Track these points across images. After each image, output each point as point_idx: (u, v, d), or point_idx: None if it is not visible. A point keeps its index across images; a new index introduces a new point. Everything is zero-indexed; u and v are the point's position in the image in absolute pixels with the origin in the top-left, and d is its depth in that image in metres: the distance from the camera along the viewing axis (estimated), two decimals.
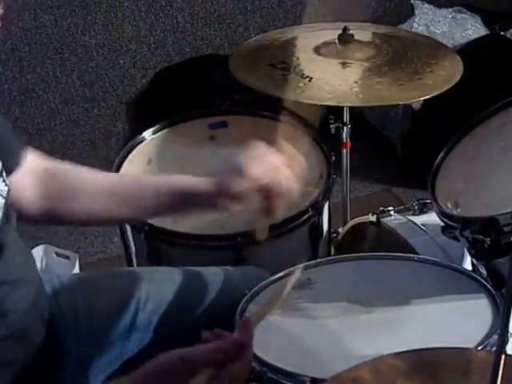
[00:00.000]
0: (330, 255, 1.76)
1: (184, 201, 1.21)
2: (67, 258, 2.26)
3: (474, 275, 1.30)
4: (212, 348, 0.92)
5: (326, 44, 1.77)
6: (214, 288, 1.34)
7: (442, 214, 1.35)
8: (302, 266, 1.30)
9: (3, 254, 1.07)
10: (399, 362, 0.93)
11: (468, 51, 2.63)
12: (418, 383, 0.90)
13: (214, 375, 0.90)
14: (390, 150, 2.75)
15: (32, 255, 1.24)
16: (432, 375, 0.92)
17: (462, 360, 0.94)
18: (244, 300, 1.25)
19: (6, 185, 1.10)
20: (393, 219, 1.68)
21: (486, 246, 1.25)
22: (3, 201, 1.08)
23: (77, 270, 2.24)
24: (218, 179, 1.18)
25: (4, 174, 1.11)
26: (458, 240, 1.33)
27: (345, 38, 1.74)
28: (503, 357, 0.79)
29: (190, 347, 0.92)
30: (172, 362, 0.91)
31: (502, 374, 0.79)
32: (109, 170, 1.71)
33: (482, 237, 1.25)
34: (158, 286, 1.31)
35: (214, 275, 1.37)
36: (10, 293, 1.09)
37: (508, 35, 2.86)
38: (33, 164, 1.21)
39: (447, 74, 1.68)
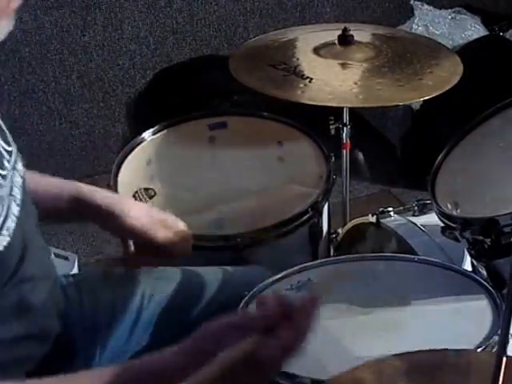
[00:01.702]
0: (329, 256, 1.76)
1: (82, 211, 1.24)
2: (66, 258, 2.26)
3: (474, 276, 1.30)
4: (257, 314, 0.94)
5: (326, 45, 1.77)
6: (214, 287, 1.34)
7: (442, 214, 1.35)
8: None
9: (29, 249, 1.07)
10: (400, 364, 0.93)
11: (468, 52, 2.63)
12: None
13: (260, 341, 0.90)
14: (390, 150, 2.75)
15: (49, 250, 1.25)
16: (432, 377, 0.92)
17: (463, 361, 0.94)
18: (244, 301, 1.25)
19: (21, 177, 1.10)
20: (392, 220, 1.68)
21: (486, 246, 1.25)
22: (19, 196, 1.08)
23: (76, 270, 2.23)
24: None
25: (19, 165, 1.11)
26: (458, 241, 1.33)
27: (345, 39, 1.74)
28: (504, 359, 0.79)
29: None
30: (218, 328, 0.93)
31: (504, 376, 0.79)
32: (108, 170, 1.72)
33: (482, 237, 1.25)
34: (161, 285, 1.32)
35: (214, 275, 1.38)
36: (34, 288, 1.10)
37: (507, 36, 2.87)
38: None
39: (447, 75, 1.68)
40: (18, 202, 1.06)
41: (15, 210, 1.05)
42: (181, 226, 1.30)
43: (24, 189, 1.10)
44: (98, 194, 1.25)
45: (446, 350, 0.97)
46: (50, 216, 1.28)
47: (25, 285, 1.07)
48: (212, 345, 0.92)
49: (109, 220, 1.24)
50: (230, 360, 0.88)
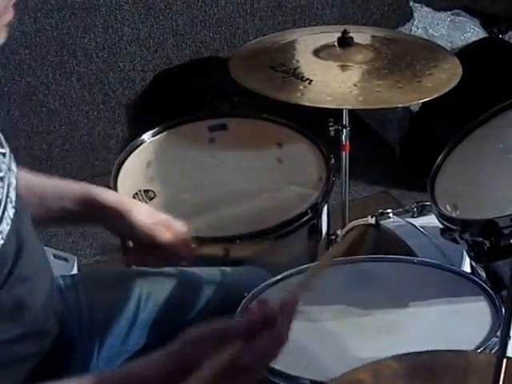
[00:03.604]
0: None
1: (91, 211, 1.24)
2: (65, 260, 2.26)
3: (473, 278, 1.30)
4: (242, 321, 0.96)
5: (326, 47, 1.77)
6: (212, 287, 1.34)
7: (441, 216, 1.35)
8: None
9: (24, 249, 1.07)
10: (399, 365, 0.94)
11: (467, 54, 2.63)
12: None
13: (242, 348, 0.92)
14: (389, 152, 2.75)
15: (44, 250, 1.25)
16: (432, 378, 0.92)
17: (462, 362, 0.94)
18: (243, 302, 1.25)
19: (15, 178, 1.09)
20: (392, 221, 1.68)
21: (486, 248, 1.25)
22: (14, 198, 1.07)
23: (75, 271, 2.23)
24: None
25: (13, 166, 1.10)
26: (457, 242, 1.33)
27: (344, 41, 1.75)
28: (505, 360, 0.79)
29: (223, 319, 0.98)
30: (203, 333, 0.95)
31: (504, 377, 0.79)
32: (108, 172, 1.72)
33: (481, 239, 1.25)
34: (159, 285, 1.32)
35: (212, 275, 1.38)
36: (30, 288, 1.09)
37: (506, 38, 2.87)
38: None
39: (446, 77, 1.68)
40: (14, 203, 1.06)
41: (11, 212, 1.04)
42: (182, 228, 1.30)
43: (17, 190, 1.09)
44: (108, 194, 1.26)
45: (445, 351, 0.97)
46: (55, 218, 1.28)
47: (20, 286, 1.07)
48: (197, 350, 0.93)
49: (116, 219, 1.25)
50: (215, 367, 0.90)
